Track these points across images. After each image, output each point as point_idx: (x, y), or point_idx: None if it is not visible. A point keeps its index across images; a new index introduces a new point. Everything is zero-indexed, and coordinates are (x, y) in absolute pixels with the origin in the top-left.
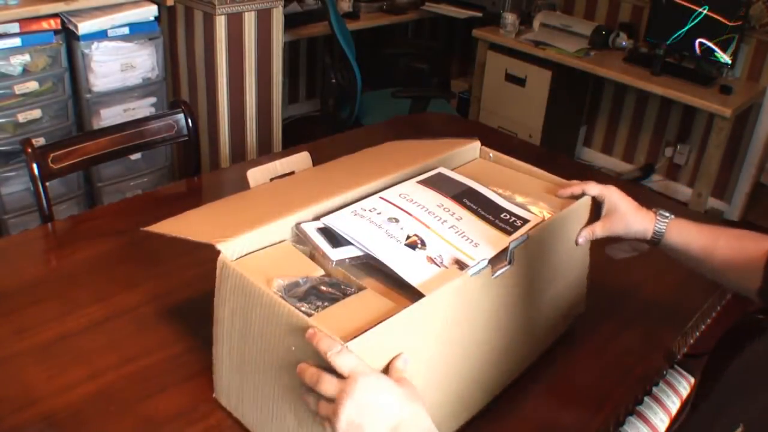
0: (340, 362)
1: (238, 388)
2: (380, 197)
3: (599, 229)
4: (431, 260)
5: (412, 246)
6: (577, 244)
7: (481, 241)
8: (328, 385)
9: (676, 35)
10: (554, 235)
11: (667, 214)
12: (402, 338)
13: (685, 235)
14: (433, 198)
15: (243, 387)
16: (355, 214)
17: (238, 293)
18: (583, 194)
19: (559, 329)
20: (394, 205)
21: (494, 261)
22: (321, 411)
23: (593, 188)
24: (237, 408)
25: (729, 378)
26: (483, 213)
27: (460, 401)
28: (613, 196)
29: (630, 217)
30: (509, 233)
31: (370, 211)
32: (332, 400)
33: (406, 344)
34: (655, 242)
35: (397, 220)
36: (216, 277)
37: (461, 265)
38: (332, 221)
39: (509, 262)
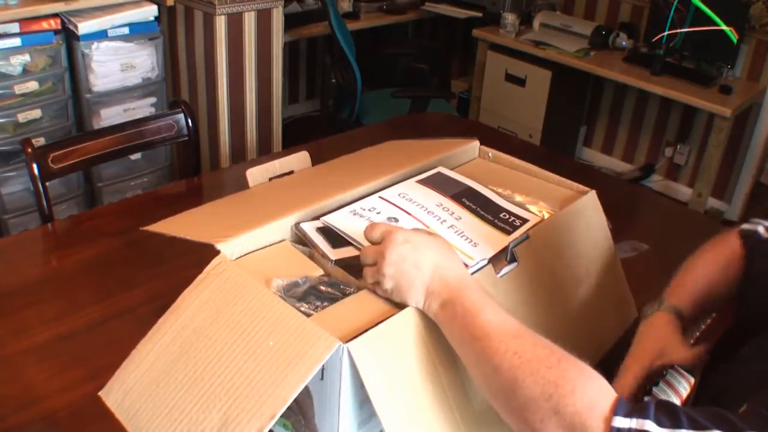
0: (371, 235)
1: (150, 384)
2: (379, 197)
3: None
4: None
5: None
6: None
7: (481, 241)
8: (368, 254)
9: (675, 35)
10: (560, 234)
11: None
12: (402, 338)
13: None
14: (432, 197)
15: (159, 383)
16: (354, 214)
17: (226, 288)
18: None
19: (610, 336)
20: (393, 204)
21: (494, 260)
22: (368, 277)
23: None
24: (130, 408)
25: (722, 380)
26: (482, 213)
27: (467, 407)
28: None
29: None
30: (509, 233)
31: (369, 210)
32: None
33: (406, 344)
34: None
35: (396, 220)
36: (204, 271)
37: None
38: (331, 220)
39: (509, 261)
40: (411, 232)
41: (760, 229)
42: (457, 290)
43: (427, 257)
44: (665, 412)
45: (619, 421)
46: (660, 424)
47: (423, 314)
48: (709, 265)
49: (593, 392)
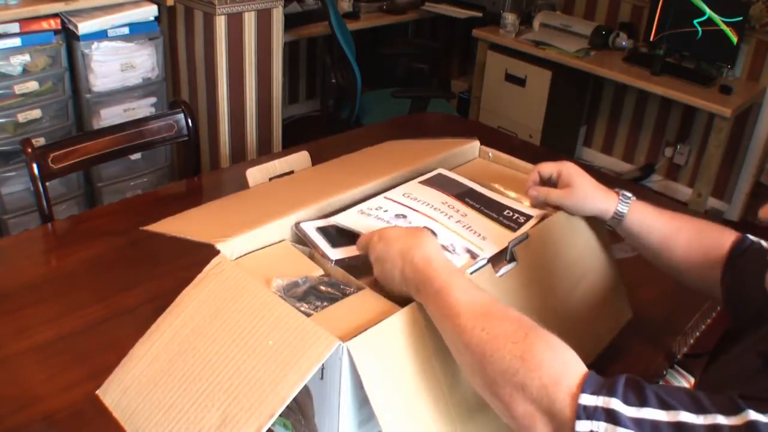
0: (358, 248)
1: (148, 383)
2: (385, 197)
3: (554, 195)
4: (444, 248)
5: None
6: (526, 192)
7: (488, 235)
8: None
9: (675, 35)
10: (558, 233)
11: (629, 195)
12: (401, 337)
13: (648, 220)
14: (437, 196)
15: (158, 381)
16: (362, 213)
17: (226, 288)
18: (551, 180)
19: (604, 336)
20: (399, 203)
21: (494, 260)
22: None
23: (546, 168)
24: (128, 406)
25: (712, 379)
26: (486, 211)
27: (465, 405)
28: (570, 169)
29: (589, 192)
30: (514, 230)
31: (376, 209)
32: None
33: (406, 343)
34: (616, 222)
35: (404, 216)
36: (203, 271)
37: (472, 254)
38: (340, 220)
39: (508, 261)
40: (386, 228)
41: (753, 238)
42: (425, 271)
43: (396, 247)
44: (633, 390)
45: (586, 398)
46: (627, 402)
47: (421, 313)
48: (690, 222)
49: (560, 366)
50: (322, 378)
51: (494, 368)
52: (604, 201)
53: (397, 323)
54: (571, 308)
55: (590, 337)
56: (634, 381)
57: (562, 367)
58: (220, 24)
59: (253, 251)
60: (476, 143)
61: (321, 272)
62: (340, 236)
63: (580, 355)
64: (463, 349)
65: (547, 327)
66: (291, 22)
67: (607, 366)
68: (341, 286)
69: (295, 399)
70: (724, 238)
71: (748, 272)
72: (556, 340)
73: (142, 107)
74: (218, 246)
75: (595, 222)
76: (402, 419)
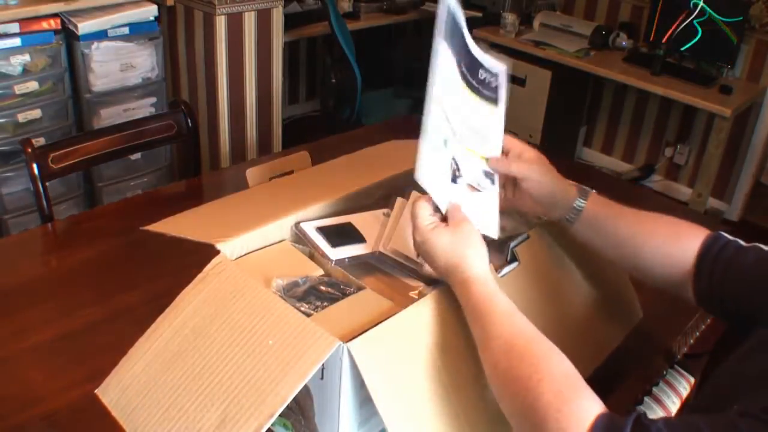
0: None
1: (147, 382)
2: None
3: (515, 166)
4: (472, 188)
5: (454, 178)
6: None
7: (481, 130)
8: None
9: (679, 35)
10: (560, 234)
11: (588, 189)
12: (402, 338)
13: (612, 214)
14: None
15: (157, 380)
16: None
17: (226, 287)
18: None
19: (614, 337)
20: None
21: (494, 260)
22: None
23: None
24: (127, 405)
25: (719, 378)
26: (470, 80)
27: (469, 405)
28: (533, 152)
29: (551, 174)
30: (495, 101)
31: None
32: None
33: (407, 344)
34: (574, 216)
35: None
36: (203, 271)
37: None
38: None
39: (509, 261)
40: (429, 240)
41: (729, 236)
42: (465, 294)
43: (435, 261)
44: None
45: None
46: None
47: (423, 314)
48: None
49: (566, 419)
50: (322, 378)
51: (506, 407)
52: (568, 190)
53: (399, 324)
54: (578, 309)
55: (599, 338)
56: (642, 426)
57: (569, 419)
58: (220, 24)
59: (253, 251)
60: None
61: (321, 272)
62: (340, 236)
63: (589, 359)
64: (488, 370)
65: (554, 329)
66: (291, 22)
67: (606, 367)
68: (341, 286)
69: (295, 399)
70: (696, 236)
71: (733, 268)
72: (567, 387)
73: (142, 107)
74: (218, 246)
75: None
76: (407, 418)
